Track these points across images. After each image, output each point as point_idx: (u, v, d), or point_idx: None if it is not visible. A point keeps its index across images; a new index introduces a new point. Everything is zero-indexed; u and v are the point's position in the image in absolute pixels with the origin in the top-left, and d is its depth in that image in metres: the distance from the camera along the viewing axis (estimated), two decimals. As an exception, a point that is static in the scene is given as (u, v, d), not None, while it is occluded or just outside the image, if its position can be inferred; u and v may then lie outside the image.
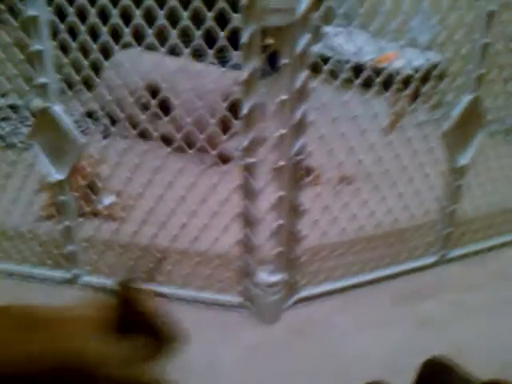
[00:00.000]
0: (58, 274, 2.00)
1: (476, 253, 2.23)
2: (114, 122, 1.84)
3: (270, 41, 1.57)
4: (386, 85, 1.86)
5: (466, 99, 1.93)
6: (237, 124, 1.66)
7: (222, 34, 1.59)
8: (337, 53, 1.74)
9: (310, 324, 1.88)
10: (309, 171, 2.04)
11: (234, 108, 1.72)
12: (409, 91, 1.91)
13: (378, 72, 1.81)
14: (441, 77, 1.96)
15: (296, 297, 1.94)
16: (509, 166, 2.31)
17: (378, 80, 1.82)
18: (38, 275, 2.02)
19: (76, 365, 1.21)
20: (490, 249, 2.27)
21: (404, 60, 1.88)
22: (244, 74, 1.58)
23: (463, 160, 2.02)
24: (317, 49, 1.67)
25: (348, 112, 1.80)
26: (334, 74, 1.74)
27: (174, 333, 1.32)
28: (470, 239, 2.25)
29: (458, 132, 1.97)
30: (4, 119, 2.00)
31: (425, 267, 2.13)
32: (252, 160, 1.68)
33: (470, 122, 1.97)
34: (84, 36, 1.68)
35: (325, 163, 1.88)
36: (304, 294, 1.96)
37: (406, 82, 1.90)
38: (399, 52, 1.90)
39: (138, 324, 1.27)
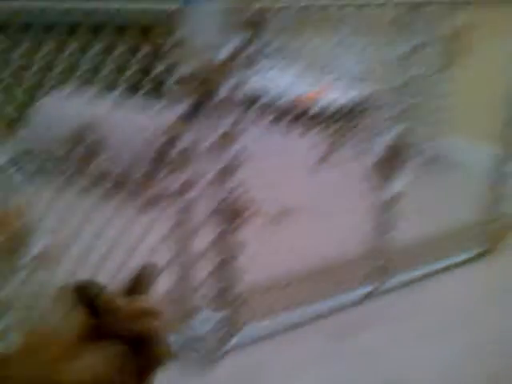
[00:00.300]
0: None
1: (409, 282, 2.29)
2: (41, 168, 1.80)
3: (196, 84, 1.58)
4: (318, 118, 1.91)
5: (395, 130, 1.99)
6: (168, 167, 1.65)
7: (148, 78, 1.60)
8: (267, 90, 1.77)
9: (249, 367, 1.85)
10: (246, 207, 2.04)
11: (165, 150, 1.71)
12: (340, 124, 1.97)
13: (308, 107, 1.85)
14: (371, 109, 2.03)
15: (233, 339, 1.92)
16: (435, 196, 2.40)
17: (309, 115, 1.86)
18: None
19: None
20: (421, 278, 2.33)
21: (335, 94, 1.94)
22: (172, 117, 1.58)
23: (393, 190, 2.08)
24: (246, 88, 1.69)
25: (280, 148, 1.83)
26: (264, 112, 1.77)
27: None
28: (403, 269, 2.31)
29: (387, 163, 2.03)
30: None
31: (360, 300, 2.17)
32: (186, 200, 1.67)
33: (399, 152, 2.04)
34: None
35: (261, 199, 1.88)
36: (242, 335, 1.94)
37: (338, 115, 1.96)
38: (330, 86, 1.96)
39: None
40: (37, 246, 2.20)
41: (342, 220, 2.08)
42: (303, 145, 1.90)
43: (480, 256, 2.47)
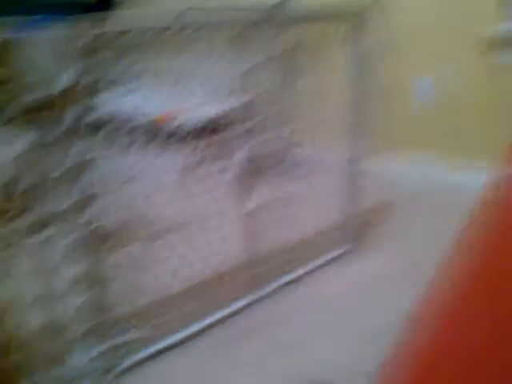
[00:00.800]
0: None
1: (285, 286, 2.36)
2: None
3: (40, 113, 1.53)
4: (178, 136, 1.92)
5: (253, 142, 2.07)
6: (14, 205, 1.57)
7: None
8: (122, 113, 1.75)
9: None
10: (108, 236, 1.99)
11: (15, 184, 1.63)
12: (199, 140, 2.00)
13: (167, 126, 1.86)
14: (228, 124, 2.08)
15: (119, 367, 1.86)
16: (300, 201, 2.52)
17: (169, 133, 1.87)
18: None
19: None
20: (295, 280, 2.42)
21: (193, 112, 1.97)
22: (21, 148, 1.51)
23: (258, 200, 2.15)
24: (98, 113, 1.67)
25: (138, 170, 1.81)
26: (120, 136, 1.75)
27: None
28: (277, 274, 2.38)
29: (249, 174, 2.09)
30: None
31: (240, 310, 2.20)
32: (42, 237, 1.60)
33: (259, 163, 2.12)
34: None
35: (133, 220, 1.86)
36: (129, 360, 1.89)
37: (197, 132, 1.99)
38: (189, 105, 1.99)
39: None
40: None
41: (216, 233, 2.11)
42: (165, 163, 1.90)
43: (347, 253, 2.62)
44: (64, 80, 1.49)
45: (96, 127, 1.64)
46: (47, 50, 1.48)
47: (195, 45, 1.97)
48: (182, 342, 2.02)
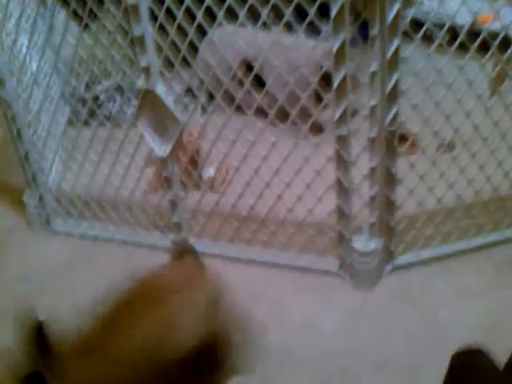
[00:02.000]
0: (165, 242, 2.16)
1: None
2: (211, 97, 1.93)
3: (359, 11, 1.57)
4: (484, 48, 1.78)
5: None
6: (329, 95, 1.68)
7: (312, 7, 1.62)
8: (430, 17, 1.68)
9: (407, 290, 1.90)
10: (404, 139, 2.02)
11: (326, 79, 1.74)
12: (508, 54, 1.82)
13: (474, 35, 1.73)
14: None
15: (393, 264, 1.96)
16: None
17: (475, 44, 1.75)
18: (147, 243, 2.20)
19: None
20: None
21: (502, 21, 1.79)
22: (335, 45, 1.59)
23: None
24: (409, 14, 1.64)
25: (443, 78, 1.75)
26: (428, 40, 1.70)
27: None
28: None
29: None
30: (111, 100, 2.16)
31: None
32: (345, 130, 1.70)
33: None
34: (181, 17, 1.77)
35: (421, 131, 1.86)
36: (401, 261, 1.98)
37: (505, 44, 1.81)
38: (496, 13, 1.81)
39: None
40: (208, 170, 2.41)
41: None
42: (468, 75, 1.78)
43: None
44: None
45: (415, 25, 1.61)
46: None
47: None
48: (460, 253, 2.00)
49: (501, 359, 1.04)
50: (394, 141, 1.72)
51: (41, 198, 2.29)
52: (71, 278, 2.09)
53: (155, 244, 2.18)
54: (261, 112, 1.90)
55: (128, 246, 2.22)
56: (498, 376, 1.02)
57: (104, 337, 0.89)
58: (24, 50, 2.11)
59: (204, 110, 2.02)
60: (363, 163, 1.77)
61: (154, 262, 2.18)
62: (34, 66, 2.17)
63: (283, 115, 1.84)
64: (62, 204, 2.32)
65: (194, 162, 2.10)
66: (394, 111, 1.67)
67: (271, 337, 1.72)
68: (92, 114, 2.17)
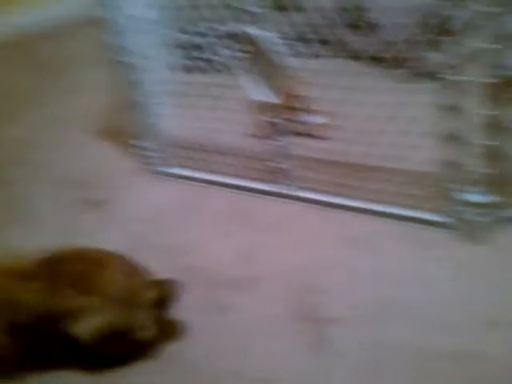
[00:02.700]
0: (272, 188, 2.19)
1: None
2: (322, 43, 1.90)
3: None
4: None
5: None
6: (445, 40, 1.59)
7: None
8: None
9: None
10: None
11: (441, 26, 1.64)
12: None
13: None
14: None
15: (504, 218, 1.86)
16: None
17: None
18: (254, 188, 2.25)
19: None
20: None
21: None
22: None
23: None
24: None
25: None
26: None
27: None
28: None
29: None
30: (222, 46, 2.19)
31: None
32: (459, 77, 1.61)
33: None
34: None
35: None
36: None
37: None
38: None
39: None
40: (316, 117, 2.40)
41: None
42: None
43: None
44: None
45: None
46: None
47: None
48: None
49: None
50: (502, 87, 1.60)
51: (156, 143, 2.41)
52: (183, 219, 2.20)
53: (262, 189, 2.23)
54: (374, 59, 1.84)
55: (236, 191, 2.29)
56: None
57: None
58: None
59: (314, 55, 1.99)
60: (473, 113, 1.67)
61: (260, 207, 2.25)
62: (152, 13, 2.24)
63: (396, 61, 1.77)
64: (175, 149, 2.42)
65: (302, 108, 2.10)
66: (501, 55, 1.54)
67: (372, 286, 1.74)
68: (204, 60, 2.21)
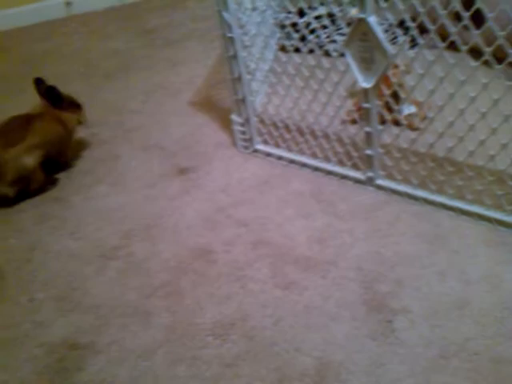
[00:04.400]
0: (356, 174, 2.19)
1: None
2: (423, 32, 1.85)
3: None
4: None
5: None
6: None
7: None
8: None
9: None
10: None
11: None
12: None
13: None
14: None
15: None
16: None
17: None
18: (338, 173, 2.26)
19: None
20: None
21: None
22: None
23: None
24: None
25: None
26: None
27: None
28: None
29: None
30: (322, 27, 2.18)
31: None
32: None
33: None
34: None
35: None
36: None
37: None
38: None
39: None
40: (409, 107, 2.35)
41: None
42: None
43: None
44: None
45: None
46: None
47: None
48: None
49: None
50: None
51: (247, 119, 2.46)
52: (263, 196, 2.26)
53: (345, 175, 2.23)
54: (475, 51, 1.78)
55: (319, 173, 2.31)
56: None
57: None
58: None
59: (414, 43, 1.95)
60: None
61: (341, 192, 2.28)
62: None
63: (500, 56, 1.70)
64: (265, 126, 2.47)
65: (396, 96, 2.06)
66: None
67: (444, 283, 1.71)
68: (303, 40, 2.22)
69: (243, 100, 2.40)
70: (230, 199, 2.26)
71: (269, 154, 2.48)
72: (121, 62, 3.67)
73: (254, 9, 2.41)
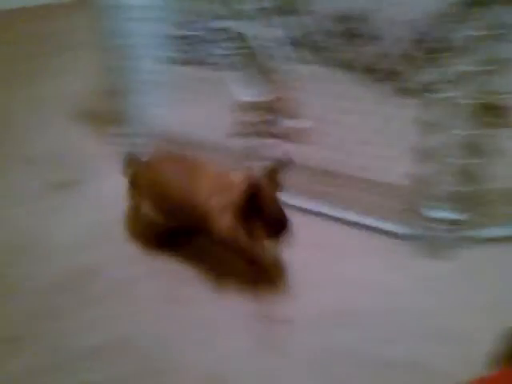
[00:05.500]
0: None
1: None
2: (315, 49, 1.89)
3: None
4: None
5: None
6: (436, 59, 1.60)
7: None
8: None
9: (479, 264, 1.82)
10: (504, 111, 1.88)
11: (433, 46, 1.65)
12: None
13: None
14: None
15: (470, 236, 1.89)
16: None
17: None
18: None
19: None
20: None
21: None
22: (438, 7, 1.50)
23: None
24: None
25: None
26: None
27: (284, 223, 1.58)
28: None
29: None
30: (209, 42, 2.18)
31: None
32: (444, 95, 1.62)
33: None
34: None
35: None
36: (479, 234, 1.89)
37: None
38: None
39: (259, 207, 1.55)
40: (291, 121, 2.40)
41: None
42: None
43: None
44: None
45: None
46: None
47: None
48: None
49: None
50: (491, 111, 1.62)
51: (131, 131, 2.39)
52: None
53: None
54: (366, 70, 1.84)
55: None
56: None
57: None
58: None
59: (305, 60, 1.97)
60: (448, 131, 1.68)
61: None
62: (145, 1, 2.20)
63: (388, 74, 1.77)
64: (154, 138, 2.40)
65: (286, 111, 2.09)
66: (494, 80, 1.56)
67: (331, 292, 1.74)
68: (190, 53, 2.20)
69: (130, 112, 2.33)
70: (112, 214, 2.14)
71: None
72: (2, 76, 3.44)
73: (142, 19, 2.35)
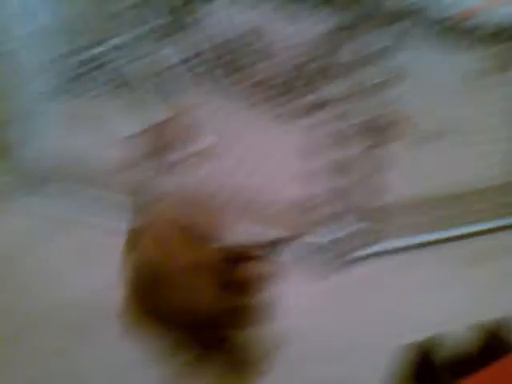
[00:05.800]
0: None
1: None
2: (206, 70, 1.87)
3: None
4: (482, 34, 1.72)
5: None
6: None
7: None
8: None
9: (374, 278, 1.87)
10: (396, 124, 1.97)
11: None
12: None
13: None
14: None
15: (362, 251, 1.95)
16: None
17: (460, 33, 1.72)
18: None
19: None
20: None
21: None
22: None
23: None
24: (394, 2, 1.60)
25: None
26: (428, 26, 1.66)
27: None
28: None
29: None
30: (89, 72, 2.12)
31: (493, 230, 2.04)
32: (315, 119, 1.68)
33: None
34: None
35: (417, 116, 1.81)
36: (371, 249, 1.96)
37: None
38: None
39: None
40: (201, 143, 2.37)
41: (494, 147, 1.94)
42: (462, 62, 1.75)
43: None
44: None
45: (395, 16, 1.59)
46: None
47: None
48: (425, 245, 1.99)
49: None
50: (383, 125, 1.72)
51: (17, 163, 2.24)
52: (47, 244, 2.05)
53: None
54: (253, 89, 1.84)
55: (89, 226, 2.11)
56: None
57: None
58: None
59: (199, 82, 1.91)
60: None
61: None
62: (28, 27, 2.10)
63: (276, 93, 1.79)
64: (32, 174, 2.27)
65: (174, 135, 2.05)
66: (389, 95, 1.65)
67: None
68: (74, 82, 2.13)
69: (14, 143, 2.19)
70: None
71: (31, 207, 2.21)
72: None
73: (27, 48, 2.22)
